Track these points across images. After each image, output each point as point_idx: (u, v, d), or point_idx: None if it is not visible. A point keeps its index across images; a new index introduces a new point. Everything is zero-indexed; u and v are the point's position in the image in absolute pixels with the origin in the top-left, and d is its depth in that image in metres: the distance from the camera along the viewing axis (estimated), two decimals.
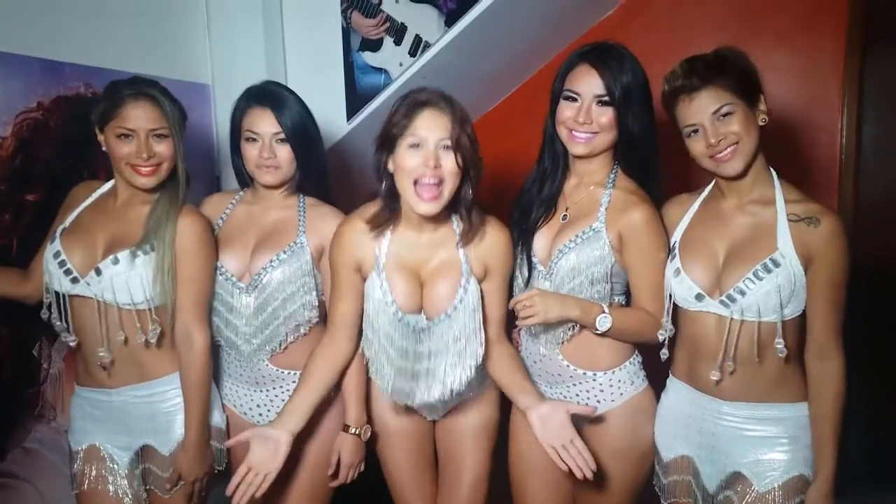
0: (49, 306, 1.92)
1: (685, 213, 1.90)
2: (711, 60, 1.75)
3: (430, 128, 1.78)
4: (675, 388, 1.91)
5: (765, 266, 1.71)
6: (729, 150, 1.73)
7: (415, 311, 1.89)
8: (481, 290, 1.90)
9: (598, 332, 1.86)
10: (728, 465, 1.81)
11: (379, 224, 1.89)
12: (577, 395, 1.95)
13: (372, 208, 1.92)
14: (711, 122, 1.72)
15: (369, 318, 1.90)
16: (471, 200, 1.87)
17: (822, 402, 1.74)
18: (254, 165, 2.03)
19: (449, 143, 1.78)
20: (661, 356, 1.87)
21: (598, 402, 1.92)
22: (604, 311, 1.85)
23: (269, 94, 2.05)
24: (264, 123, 2.01)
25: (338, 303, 1.95)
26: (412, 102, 1.80)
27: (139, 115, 1.88)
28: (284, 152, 2.02)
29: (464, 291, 1.87)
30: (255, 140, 2.02)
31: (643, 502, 2.03)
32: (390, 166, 1.84)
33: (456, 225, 1.92)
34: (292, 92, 2.09)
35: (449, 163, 1.79)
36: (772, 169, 1.82)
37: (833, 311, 1.72)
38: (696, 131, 1.75)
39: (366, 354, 1.94)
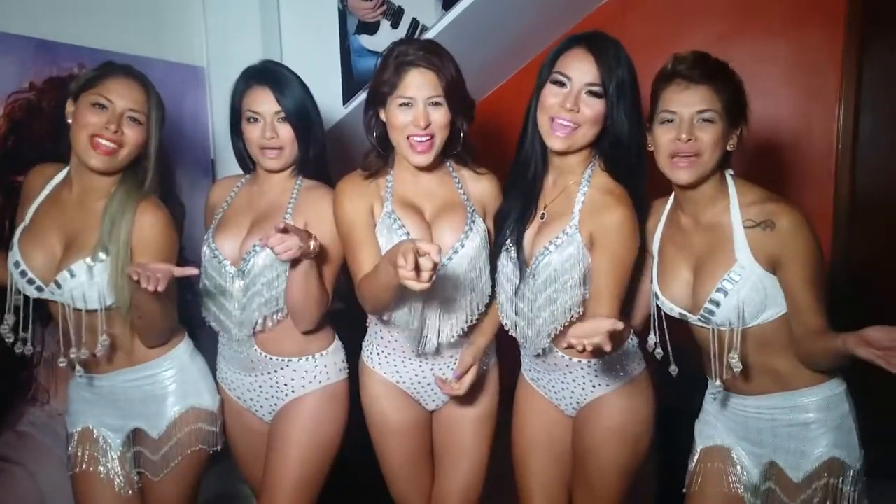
0: (15, 310, 1.87)
1: (657, 224, 1.90)
2: (722, 67, 1.74)
3: (419, 86, 1.86)
4: (710, 385, 1.89)
5: (723, 286, 1.71)
6: (688, 159, 1.71)
7: None
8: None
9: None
10: (763, 455, 1.82)
11: (374, 171, 1.97)
12: (574, 380, 1.95)
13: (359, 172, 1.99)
14: (690, 119, 1.70)
15: None
16: (465, 136, 1.98)
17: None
18: (257, 147, 2.02)
19: (437, 99, 1.87)
20: (671, 372, 1.86)
21: (594, 386, 1.93)
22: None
23: (268, 74, 2.04)
24: (265, 103, 1.99)
25: (363, 262, 1.91)
26: (399, 62, 1.87)
27: (122, 91, 1.83)
28: (286, 132, 2.01)
29: (469, 228, 1.93)
30: (256, 120, 2.00)
31: (639, 489, 2.04)
32: (382, 116, 1.94)
33: (451, 168, 2.02)
34: (291, 71, 2.07)
35: (439, 117, 1.89)
36: (728, 173, 1.79)
37: (819, 300, 1.68)
38: (671, 120, 1.73)
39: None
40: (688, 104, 1.70)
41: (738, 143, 1.76)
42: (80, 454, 1.99)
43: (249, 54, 2.37)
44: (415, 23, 2.71)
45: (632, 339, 1.96)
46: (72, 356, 1.87)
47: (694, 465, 1.92)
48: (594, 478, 1.94)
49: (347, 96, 2.80)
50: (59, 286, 1.84)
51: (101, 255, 1.83)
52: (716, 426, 1.90)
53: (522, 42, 3.05)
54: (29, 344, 1.89)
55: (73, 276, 1.83)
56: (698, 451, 1.92)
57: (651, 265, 1.91)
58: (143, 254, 1.85)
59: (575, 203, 1.85)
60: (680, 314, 1.81)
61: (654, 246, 1.89)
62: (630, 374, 1.93)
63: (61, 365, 1.88)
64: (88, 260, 1.83)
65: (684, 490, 1.94)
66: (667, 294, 1.83)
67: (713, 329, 1.76)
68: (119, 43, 2.34)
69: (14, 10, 2.09)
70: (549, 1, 2.87)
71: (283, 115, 2.00)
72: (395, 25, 2.73)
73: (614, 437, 1.91)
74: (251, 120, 2.01)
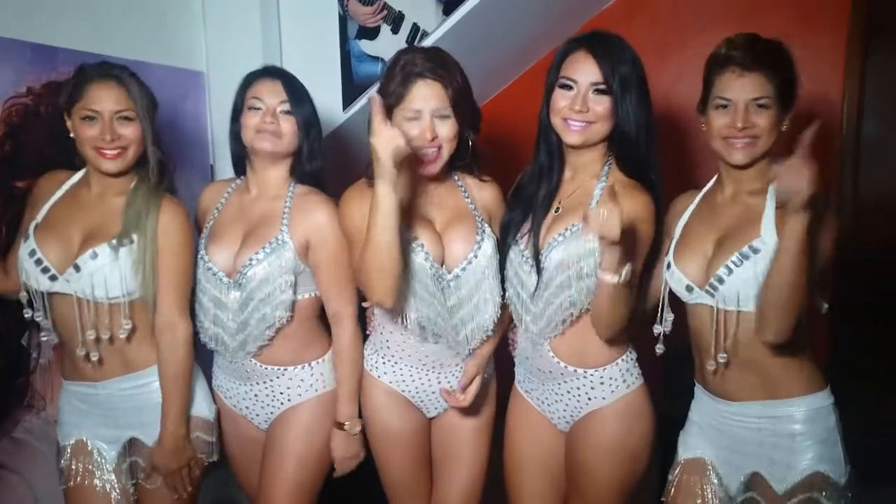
0: (30, 304, 1.90)
1: (687, 208, 1.90)
2: (775, 49, 1.74)
3: (425, 98, 1.83)
4: (697, 394, 1.91)
5: (744, 253, 1.70)
6: (745, 141, 1.74)
7: (440, 262, 1.92)
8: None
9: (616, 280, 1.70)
10: (745, 465, 1.80)
11: None
12: (568, 391, 1.93)
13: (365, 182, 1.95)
14: (746, 106, 1.72)
15: (404, 279, 1.88)
16: (472, 149, 1.95)
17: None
18: (253, 131, 1.99)
19: (444, 111, 1.84)
20: (657, 351, 1.86)
21: (589, 399, 1.91)
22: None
23: (279, 71, 2.07)
24: (272, 93, 2.00)
25: None
26: (406, 73, 1.83)
27: (104, 97, 1.85)
28: (288, 124, 2.00)
29: (480, 238, 1.93)
30: (258, 108, 1.99)
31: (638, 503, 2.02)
32: None
33: (457, 178, 2.00)
34: (298, 80, 2.08)
35: (445, 130, 1.86)
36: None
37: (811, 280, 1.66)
38: (725, 106, 1.74)
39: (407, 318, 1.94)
40: (742, 91, 1.72)
41: (789, 123, 1.77)
42: (73, 467, 1.98)
43: (249, 58, 2.37)
44: (415, 28, 2.69)
45: (630, 351, 1.95)
46: (90, 339, 1.87)
47: (673, 476, 1.91)
48: (588, 495, 1.92)
49: (347, 101, 2.78)
50: (77, 269, 1.84)
51: (126, 241, 1.86)
52: (698, 437, 1.88)
53: (524, 47, 3.04)
54: (53, 334, 1.92)
55: (94, 257, 1.84)
56: (679, 462, 1.91)
57: (669, 246, 1.89)
58: (169, 250, 1.90)
59: (592, 197, 1.86)
60: (687, 286, 1.79)
61: (678, 228, 1.88)
62: (627, 387, 1.91)
63: (80, 354, 1.89)
64: (113, 241, 1.85)
65: (662, 499, 1.93)
66: (680, 264, 1.82)
67: (716, 310, 1.74)
68: (118, 47, 2.32)
69: (11, 15, 2.07)
70: (551, 6, 2.85)
71: (287, 107, 1.99)
72: (395, 31, 2.71)
73: (608, 454, 1.90)
74: (253, 108, 1.99)
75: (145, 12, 2.51)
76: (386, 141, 1.69)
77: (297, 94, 2.02)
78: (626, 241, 1.67)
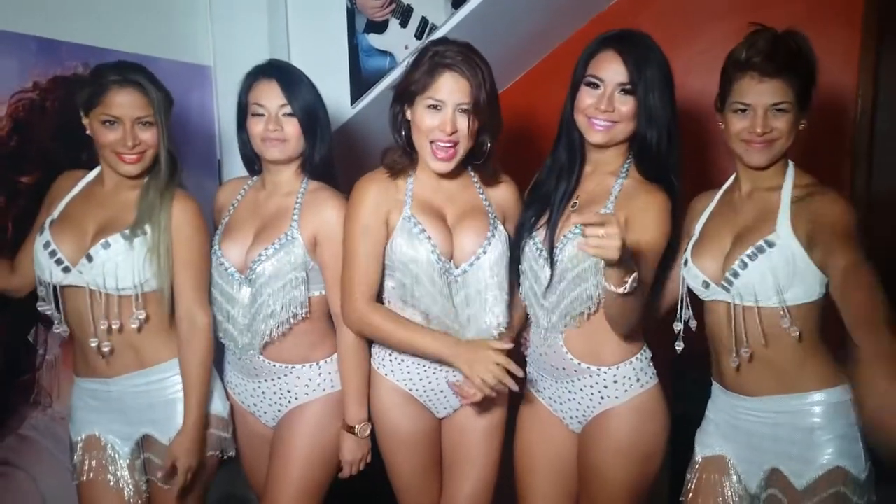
0: (44, 298, 1.90)
1: (707, 207, 1.89)
2: (795, 51, 1.71)
3: (451, 91, 1.82)
4: (714, 391, 1.90)
5: (759, 247, 1.69)
6: (763, 143, 1.72)
7: (448, 256, 1.90)
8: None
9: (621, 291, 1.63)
10: (764, 462, 1.78)
11: (398, 170, 1.92)
12: (581, 389, 1.91)
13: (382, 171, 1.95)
14: (765, 112, 1.70)
15: (409, 271, 1.88)
16: (490, 151, 1.94)
17: None
18: (259, 140, 1.99)
19: (468, 107, 1.82)
20: (676, 348, 1.84)
21: (602, 398, 1.89)
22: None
23: (275, 68, 2.03)
24: (271, 96, 1.97)
25: (359, 277, 1.90)
26: (435, 62, 1.82)
27: (124, 103, 1.84)
28: (291, 126, 1.98)
29: (492, 235, 1.91)
30: (261, 114, 1.98)
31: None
32: (408, 115, 1.89)
33: (473, 174, 1.99)
34: (300, 70, 2.06)
35: (466, 125, 1.84)
36: (790, 160, 1.81)
37: (859, 289, 1.57)
38: (744, 111, 1.73)
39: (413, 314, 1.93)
40: (762, 97, 1.70)
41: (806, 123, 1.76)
42: (87, 463, 1.97)
43: (256, 53, 2.35)
44: (424, 21, 2.67)
45: (644, 350, 1.93)
46: (102, 327, 1.87)
47: (691, 475, 1.89)
48: (600, 497, 1.91)
49: (355, 96, 2.76)
50: (90, 260, 1.84)
51: (140, 232, 1.86)
52: (715, 435, 1.87)
53: (532, 42, 3.02)
54: (64, 325, 1.92)
55: (106, 247, 1.85)
56: (697, 461, 1.89)
57: (687, 245, 1.87)
58: (182, 240, 1.91)
59: (611, 192, 1.86)
60: (703, 282, 1.79)
61: (698, 225, 1.87)
62: (641, 387, 1.89)
63: (92, 347, 1.89)
64: (126, 232, 1.85)
65: (680, 499, 1.91)
66: (697, 261, 1.81)
67: (732, 305, 1.73)
68: (124, 41, 2.31)
69: (17, 9, 2.06)
70: (559, 1, 2.83)
71: (288, 109, 1.97)
72: (403, 24, 2.69)
73: (620, 455, 1.88)
74: (256, 114, 1.98)
75: (152, 6, 2.49)
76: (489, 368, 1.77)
77: (295, 92, 1.99)
78: (632, 253, 1.62)
